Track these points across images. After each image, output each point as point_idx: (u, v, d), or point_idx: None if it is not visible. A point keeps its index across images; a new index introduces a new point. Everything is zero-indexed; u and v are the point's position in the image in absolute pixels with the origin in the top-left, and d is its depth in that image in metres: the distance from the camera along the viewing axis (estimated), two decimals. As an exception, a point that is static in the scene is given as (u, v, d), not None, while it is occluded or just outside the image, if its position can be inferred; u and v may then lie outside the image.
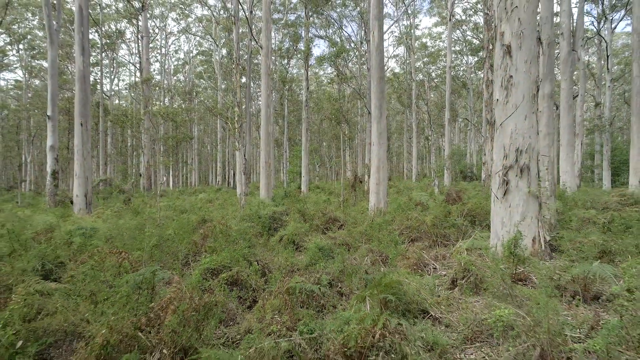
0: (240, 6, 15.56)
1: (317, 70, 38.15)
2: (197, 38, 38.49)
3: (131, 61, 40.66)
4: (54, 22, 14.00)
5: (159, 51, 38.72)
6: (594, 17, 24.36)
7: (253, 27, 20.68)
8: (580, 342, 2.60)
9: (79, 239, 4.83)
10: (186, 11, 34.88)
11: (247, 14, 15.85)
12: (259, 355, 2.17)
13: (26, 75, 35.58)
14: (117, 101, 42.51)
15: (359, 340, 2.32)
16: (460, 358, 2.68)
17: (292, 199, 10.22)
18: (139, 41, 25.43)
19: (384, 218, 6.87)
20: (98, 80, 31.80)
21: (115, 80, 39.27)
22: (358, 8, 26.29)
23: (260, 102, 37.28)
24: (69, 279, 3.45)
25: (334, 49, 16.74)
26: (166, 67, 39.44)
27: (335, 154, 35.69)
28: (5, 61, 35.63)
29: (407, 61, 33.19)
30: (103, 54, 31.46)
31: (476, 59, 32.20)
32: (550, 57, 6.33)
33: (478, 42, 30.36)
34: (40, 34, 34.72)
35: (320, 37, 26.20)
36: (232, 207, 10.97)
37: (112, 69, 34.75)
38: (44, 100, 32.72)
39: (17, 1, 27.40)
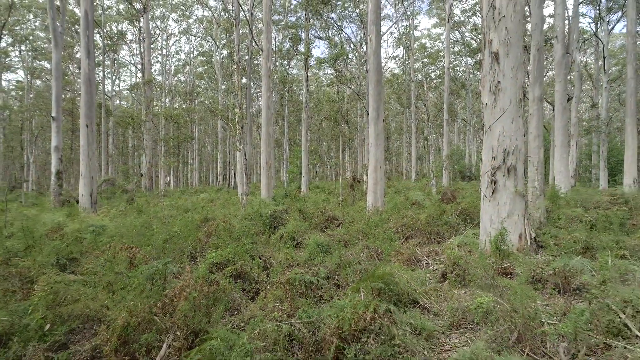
0: (240, 8, 15.82)
1: (317, 71, 38.40)
2: (198, 39, 38.78)
3: (132, 62, 40.96)
4: (59, 25, 14.25)
5: (159, 52, 39.01)
6: (591, 19, 24.65)
7: (254, 28, 20.93)
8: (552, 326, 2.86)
9: (90, 236, 5.09)
10: (187, 13, 35.16)
11: (247, 15, 16.10)
12: (262, 336, 2.43)
13: (28, 76, 35.87)
14: (118, 101, 42.80)
15: (352, 324, 2.59)
16: (445, 342, 2.94)
17: (292, 199, 10.48)
18: (141, 42, 25.70)
19: (381, 217, 7.13)
20: (100, 81, 32.06)
21: (117, 81, 39.54)
22: (357, 10, 26.55)
23: (260, 103, 37.56)
24: (84, 271, 3.71)
25: (334, 51, 17.01)
26: (167, 67, 39.72)
27: (335, 154, 35.96)
28: (7, 61, 35.90)
29: (406, 62, 33.44)
30: (104, 55, 31.69)
31: (475, 60, 32.47)
32: (540, 62, 6.59)
33: (476, 43, 30.64)
34: (42, 34, 35.01)
35: (320, 38, 26.44)
36: (233, 206, 11.22)
37: (113, 70, 35.01)
38: (46, 101, 33.00)
39: (19, 2, 27.65)
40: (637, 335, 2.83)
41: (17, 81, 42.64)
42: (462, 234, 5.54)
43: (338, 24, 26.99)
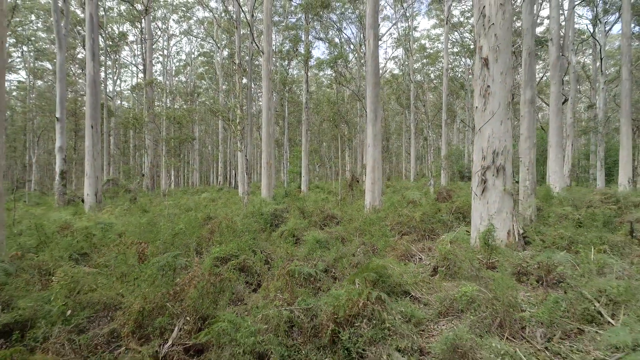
0: (241, 9, 16.06)
1: (317, 72, 38.65)
2: (199, 40, 39.03)
3: (133, 62, 41.21)
4: (62, 27, 14.49)
5: (160, 52, 39.25)
6: (589, 20, 24.87)
7: (254, 29, 21.17)
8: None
9: (100, 233, 5.34)
10: (188, 14, 35.41)
11: (248, 17, 16.36)
12: (265, 320, 2.68)
13: (30, 77, 36.12)
14: (119, 102, 43.06)
15: (346, 310, 2.83)
16: (433, 328, 3.19)
17: (292, 198, 10.73)
18: (143, 43, 25.94)
19: (378, 215, 7.37)
20: (101, 82, 32.29)
21: (118, 82, 39.78)
22: (357, 11, 26.80)
23: (260, 103, 37.80)
24: (97, 265, 3.95)
25: (334, 52, 17.22)
26: (168, 68, 39.95)
27: (334, 155, 36.20)
28: (9, 62, 36.13)
29: (406, 63, 33.68)
30: (106, 57, 31.94)
31: (473, 61, 32.62)
32: (531, 66, 6.83)
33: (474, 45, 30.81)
34: (44, 35, 35.26)
35: (320, 39, 26.66)
36: (235, 205, 11.47)
37: (114, 70, 35.26)
38: (49, 102, 33.24)
39: (22, 4, 27.90)
40: (609, 322, 3.07)
41: (19, 81, 42.88)
42: (455, 230, 5.79)
43: (338, 25, 27.23)
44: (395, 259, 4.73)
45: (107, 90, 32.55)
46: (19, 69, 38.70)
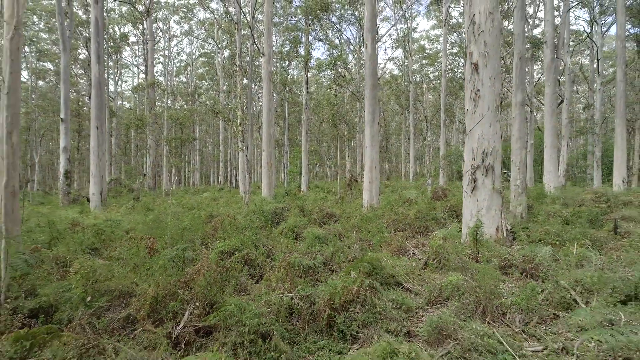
0: (242, 11, 16.34)
1: (316, 72, 38.93)
2: (200, 41, 39.31)
3: (134, 63, 41.49)
4: (67, 30, 14.76)
5: (161, 53, 39.52)
6: (586, 21, 25.15)
7: (254, 30, 21.44)
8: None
9: (109, 230, 5.61)
10: (189, 15, 35.69)
11: (248, 18, 16.63)
12: (267, 305, 2.95)
13: (32, 77, 36.39)
14: (119, 102, 43.32)
15: (342, 297, 3.10)
16: (422, 315, 3.46)
17: (292, 197, 11.00)
18: (145, 44, 26.22)
19: (375, 213, 7.65)
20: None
21: (119, 82, 40.05)
22: (357, 12, 27.08)
23: (261, 103, 38.05)
24: (109, 258, 4.23)
25: (334, 54, 17.47)
26: (169, 68, 40.23)
27: (334, 155, 36.47)
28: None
29: (405, 63, 33.94)
30: (107, 57, 32.20)
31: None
32: (522, 70, 7.10)
33: (474, 45, 31.03)
34: (45, 35, 35.52)
35: (320, 39, 26.93)
36: (236, 204, 11.74)
37: (115, 71, 35.54)
38: (51, 102, 33.52)
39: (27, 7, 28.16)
40: (586, 310, 3.34)
41: (21, 82, 43.15)
42: (448, 227, 6.07)
43: (337, 26, 27.53)
44: (390, 253, 5.00)
45: (109, 91, 32.81)
46: (21, 69, 38.93)
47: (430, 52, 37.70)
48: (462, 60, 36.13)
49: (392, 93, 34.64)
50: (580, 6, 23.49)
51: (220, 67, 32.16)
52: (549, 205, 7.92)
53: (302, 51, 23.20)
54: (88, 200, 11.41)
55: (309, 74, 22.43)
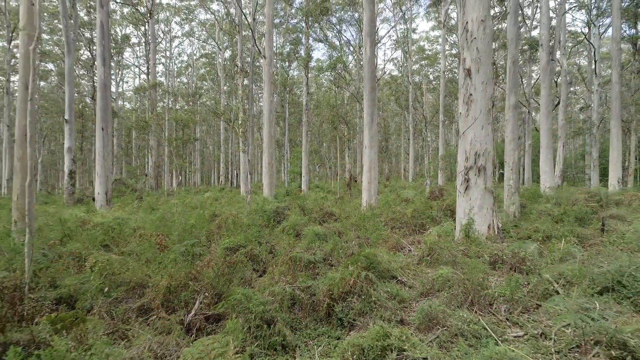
0: (242, 13, 16.59)
1: (317, 73, 39.18)
2: (201, 41, 39.57)
3: (136, 64, 41.74)
4: (71, 32, 15.01)
5: (162, 54, 39.77)
6: (584, 23, 25.39)
7: (255, 31, 21.67)
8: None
9: (118, 227, 5.87)
10: (190, 16, 35.95)
11: (249, 19, 16.89)
12: (271, 295, 3.20)
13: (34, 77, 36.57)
14: (120, 102, 43.58)
15: (340, 288, 3.36)
16: (415, 306, 3.70)
17: (293, 197, 11.25)
18: (146, 46, 26.49)
19: (373, 212, 7.89)
20: (105, 83, 32.79)
21: (120, 83, 40.31)
22: (356, 14, 27.33)
23: (261, 104, 38.31)
24: (121, 253, 4.48)
25: (334, 55, 17.68)
26: (170, 69, 40.50)
27: (334, 155, 36.71)
28: (13, 62, 36.69)
29: (405, 64, 34.19)
30: (109, 58, 32.45)
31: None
32: (515, 73, 7.35)
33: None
34: (47, 37, 35.75)
35: (320, 40, 27.19)
36: (238, 204, 11.99)
37: (117, 72, 35.79)
38: (53, 103, 33.78)
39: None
40: (566, 300, 3.59)
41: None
42: (443, 225, 6.32)
43: (337, 27, 27.79)
44: (387, 250, 5.25)
45: (110, 92, 33.04)
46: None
47: (430, 53, 37.96)
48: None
49: (391, 94, 34.89)
50: (577, 8, 23.75)
51: (221, 68, 32.44)
52: (542, 204, 8.17)
53: (302, 52, 23.44)
54: (93, 199, 11.65)
55: (309, 75, 22.68)
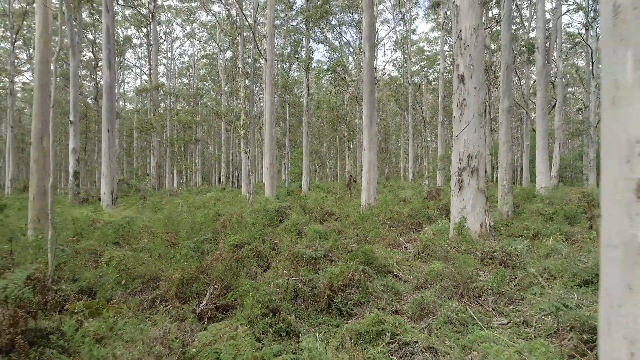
0: (244, 16, 16.87)
1: (317, 74, 39.45)
2: (202, 42, 39.86)
3: (137, 65, 42.05)
4: (76, 36, 15.28)
5: (164, 55, 40.05)
6: (582, 25, 25.67)
7: (256, 32, 21.94)
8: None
9: (128, 226, 6.14)
10: (191, 17, 36.22)
11: (250, 21, 17.16)
12: (276, 287, 3.48)
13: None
14: (122, 103, 43.88)
15: (339, 281, 3.63)
16: (409, 298, 3.98)
17: (294, 197, 11.53)
18: (148, 48, 26.75)
19: (372, 211, 8.17)
20: (107, 84, 33.06)
21: (122, 84, 40.62)
22: (356, 16, 27.61)
23: (262, 104, 38.59)
24: (133, 249, 4.76)
25: (334, 57, 17.94)
26: (171, 70, 40.80)
27: (334, 156, 36.97)
28: (15, 62, 37.02)
29: (404, 65, 34.46)
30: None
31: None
32: (509, 78, 7.62)
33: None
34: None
35: (321, 42, 27.47)
36: (240, 204, 12.26)
37: (119, 72, 36.06)
38: (55, 105, 34.02)
39: (32, 10, 28.67)
40: (549, 292, 3.86)
41: (23, 83, 43.81)
42: (438, 224, 6.60)
43: (337, 29, 28.06)
44: (384, 247, 5.53)
45: (113, 93, 33.30)
46: (25, 70, 39.60)
47: (429, 53, 38.24)
48: (461, 62, 36.64)
49: (391, 94, 35.12)
50: (574, 11, 24.02)
51: (222, 69, 32.73)
52: (535, 204, 8.44)
53: (302, 54, 23.72)
54: (99, 199, 11.93)
55: (309, 76, 22.96)
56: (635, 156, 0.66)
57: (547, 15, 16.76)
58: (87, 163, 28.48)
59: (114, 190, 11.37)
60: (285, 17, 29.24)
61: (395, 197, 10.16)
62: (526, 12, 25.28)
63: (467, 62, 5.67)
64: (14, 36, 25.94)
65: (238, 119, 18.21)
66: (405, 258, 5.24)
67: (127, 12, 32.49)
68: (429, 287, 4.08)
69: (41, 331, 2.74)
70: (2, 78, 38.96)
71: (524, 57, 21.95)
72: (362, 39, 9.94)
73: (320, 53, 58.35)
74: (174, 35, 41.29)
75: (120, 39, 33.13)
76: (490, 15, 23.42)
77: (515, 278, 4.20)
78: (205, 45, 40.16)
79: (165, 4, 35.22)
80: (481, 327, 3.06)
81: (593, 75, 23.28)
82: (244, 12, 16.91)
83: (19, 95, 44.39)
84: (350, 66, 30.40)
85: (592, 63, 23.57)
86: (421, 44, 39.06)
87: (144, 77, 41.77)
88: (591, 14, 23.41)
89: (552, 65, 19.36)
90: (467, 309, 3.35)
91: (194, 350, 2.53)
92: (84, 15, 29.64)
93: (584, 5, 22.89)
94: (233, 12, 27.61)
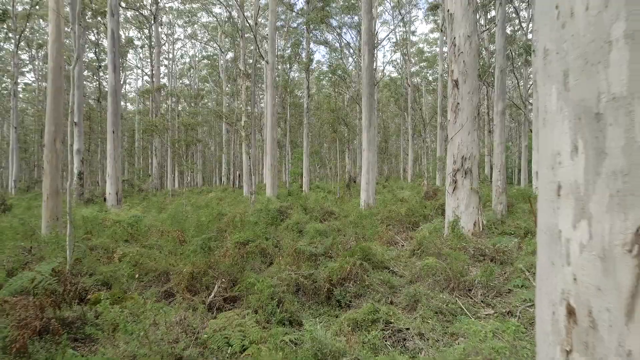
0: (244, 17, 17.13)
1: (317, 75, 39.70)
2: (203, 43, 40.14)
3: (138, 65, 42.36)
4: (80, 39, 15.53)
5: (165, 56, 40.33)
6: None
7: (258, 34, 22.19)
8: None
9: (136, 224, 6.41)
10: (193, 19, 36.51)
11: (251, 22, 17.42)
12: (279, 280, 3.74)
13: (39, 80, 37.27)
14: (123, 104, 44.15)
15: (338, 275, 3.89)
16: (403, 291, 4.23)
17: (295, 197, 11.79)
18: (150, 49, 27.04)
19: (371, 211, 8.43)
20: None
21: (123, 85, 40.88)
22: (356, 17, 27.85)
23: (262, 105, 38.86)
24: (144, 246, 5.02)
25: (334, 58, 18.20)
26: (172, 71, 41.07)
27: (334, 156, 37.24)
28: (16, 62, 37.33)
29: (404, 67, 34.72)
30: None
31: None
32: (503, 81, 7.88)
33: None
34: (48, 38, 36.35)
35: (321, 43, 27.75)
36: (242, 204, 12.53)
37: (121, 73, 36.29)
38: (58, 104, 34.32)
39: (35, 12, 28.99)
40: (533, 285, 4.12)
41: (25, 84, 44.14)
42: (434, 223, 6.85)
43: (338, 30, 28.32)
44: (381, 244, 5.79)
45: (115, 94, 33.55)
46: (27, 71, 39.94)
47: (429, 54, 38.49)
48: (460, 63, 36.88)
49: (391, 95, 35.44)
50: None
51: (223, 70, 33.00)
52: (528, 204, 8.69)
53: (303, 55, 23.97)
54: (104, 199, 12.20)
55: (310, 77, 23.22)
56: (556, 164, 0.91)
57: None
58: (90, 164, 28.78)
59: (119, 190, 11.63)
60: (285, 19, 29.51)
61: (393, 197, 10.42)
62: (524, 14, 25.52)
63: (460, 68, 5.93)
64: (18, 37, 26.20)
65: (239, 120, 18.47)
66: (401, 255, 5.50)
67: (129, 14, 32.80)
68: (423, 281, 4.34)
69: (64, 319, 3.01)
70: (4, 79, 39.29)
71: (522, 59, 22.19)
72: (361, 42, 10.21)
73: (320, 54, 58.57)
74: (176, 36, 41.54)
75: (122, 40, 33.41)
76: (489, 16, 23.64)
77: (504, 273, 4.46)
78: (206, 46, 40.44)
79: (167, 5, 35.49)
80: (469, 317, 3.32)
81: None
82: (245, 14, 17.18)
83: (20, 95, 44.77)
84: (350, 67, 30.64)
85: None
86: (421, 45, 39.34)
87: (146, 78, 42.08)
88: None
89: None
90: (457, 301, 3.61)
91: (206, 336, 2.80)
92: (86, 16, 29.98)
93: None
94: (234, 13, 27.87)
